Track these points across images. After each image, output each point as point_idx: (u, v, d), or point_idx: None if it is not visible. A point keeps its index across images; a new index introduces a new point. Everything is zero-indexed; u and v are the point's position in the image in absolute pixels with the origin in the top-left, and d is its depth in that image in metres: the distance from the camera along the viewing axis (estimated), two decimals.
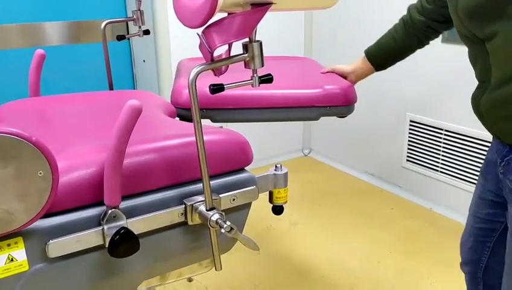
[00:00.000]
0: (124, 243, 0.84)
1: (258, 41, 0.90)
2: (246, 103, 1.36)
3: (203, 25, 0.83)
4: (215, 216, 0.90)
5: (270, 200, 1.13)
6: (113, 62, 2.81)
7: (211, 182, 0.95)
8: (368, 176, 2.97)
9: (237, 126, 3.22)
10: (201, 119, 1.32)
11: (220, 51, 0.95)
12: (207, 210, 0.92)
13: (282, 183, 1.12)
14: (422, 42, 1.44)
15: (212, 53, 0.86)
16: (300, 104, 1.35)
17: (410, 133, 2.65)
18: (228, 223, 0.89)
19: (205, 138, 0.97)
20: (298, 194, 2.80)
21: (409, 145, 2.67)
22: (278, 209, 1.15)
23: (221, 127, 3.17)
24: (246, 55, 0.90)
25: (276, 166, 1.11)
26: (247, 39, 0.89)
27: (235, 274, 2.01)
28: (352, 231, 2.38)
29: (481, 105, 1.10)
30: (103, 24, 1.49)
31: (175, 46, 2.64)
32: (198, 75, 0.86)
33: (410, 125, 2.63)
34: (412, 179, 2.69)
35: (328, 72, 1.58)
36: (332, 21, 2.99)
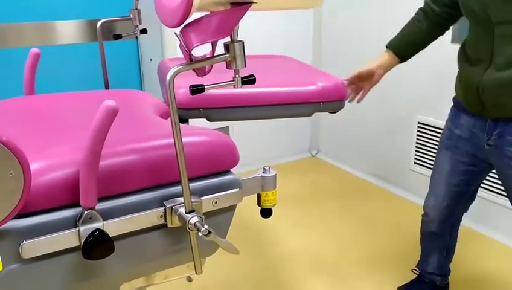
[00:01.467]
0: (98, 245, 0.83)
1: (240, 41, 0.88)
2: (242, 101, 1.35)
3: (180, 25, 0.81)
4: (193, 219, 0.89)
5: (258, 203, 1.11)
6: (121, 61, 2.83)
7: (193, 184, 0.93)
8: (375, 178, 2.93)
9: (245, 127, 3.21)
10: (198, 119, 1.32)
11: (205, 51, 0.94)
12: (186, 213, 0.90)
13: (271, 186, 1.09)
14: (445, 29, 1.57)
15: (189, 53, 0.84)
16: (296, 100, 1.35)
17: (418, 135, 2.59)
18: (206, 226, 0.87)
19: (189, 139, 0.96)
20: (304, 194, 2.77)
21: (416, 147, 2.62)
22: (266, 212, 1.13)
23: (227, 127, 3.12)
24: (227, 55, 0.88)
25: (264, 168, 1.09)
26: (228, 39, 0.88)
27: (235, 274, 1.99)
28: (358, 233, 2.34)
29: (483, 82, 1.31)
30: (99, 23, 1.49)
31: None
32: (176, 75, 0.84)
33: (419, 127, 2.58)
34: (419, 182, 2.63)
35: (353, 76, 1.59)
36: (341, 22, 2.95)
